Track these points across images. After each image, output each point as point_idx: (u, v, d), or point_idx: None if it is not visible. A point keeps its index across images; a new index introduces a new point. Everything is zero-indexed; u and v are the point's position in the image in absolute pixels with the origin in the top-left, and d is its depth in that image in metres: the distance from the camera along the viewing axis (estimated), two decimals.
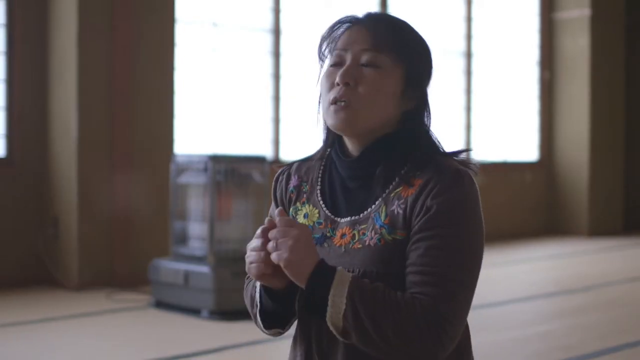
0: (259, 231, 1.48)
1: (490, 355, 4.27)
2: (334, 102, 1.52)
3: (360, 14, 1.57)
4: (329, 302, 1.42)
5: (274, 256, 1.43)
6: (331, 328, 1.44)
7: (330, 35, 1.57)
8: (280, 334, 1.60)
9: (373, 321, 1.40)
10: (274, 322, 1.57)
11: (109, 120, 6.17)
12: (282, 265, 1.43)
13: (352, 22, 1.56)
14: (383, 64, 1.52)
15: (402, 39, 1.53)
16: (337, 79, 1.52)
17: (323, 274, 1.43)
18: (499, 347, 4.47)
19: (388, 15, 1.58)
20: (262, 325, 1.58)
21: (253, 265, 1.47)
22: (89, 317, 5.20)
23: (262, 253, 1.45)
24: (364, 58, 1.52)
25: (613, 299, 5.97)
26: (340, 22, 1.57)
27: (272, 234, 1.45)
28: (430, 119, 1.58)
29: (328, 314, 1.42)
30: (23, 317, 5.11)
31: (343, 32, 1.55)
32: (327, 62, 1.57)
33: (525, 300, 5.88)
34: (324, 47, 1.58)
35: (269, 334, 1.61)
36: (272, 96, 7.61)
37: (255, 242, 1.48)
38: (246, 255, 1.49)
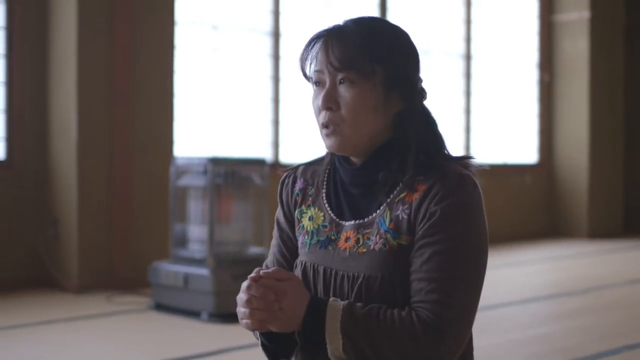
0: (244, 285, 1.47)
1: (490, 357, 4.27)
2: (323, 127, 1.54)
3: (328, 27, 1.55)
4: (327, 340, 1.43)
5: (252, 320, 1.44)
6: None
7: (305, 55, 1.57)
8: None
9: (373, 348, 1.40)
10: (277, 355, 1.57)
11: (109, 121, 6.18)
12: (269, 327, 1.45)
13: (320, 38, 1.54)
14: (357, 79, 1.50)
15: (370, 46, 1.50)
16: (319, 104, 1.53)
17: (314, 315, 1.44)
18: (498, 349, 4.47)
19: (356, 22, 1.54)
20: (266, 356, 1.59)
21: (243, 321, 1.46)
22: (88, 319, 5.19)
23: (248, 310, 1.44)
24: (339, 77, 1.51)
25: (612, 301, 5.97)
26: (311, 41, 1.56)
27: (252, 294, 1.44)
28: (420, 114, 1.56)
29: (329, 351, 1.43)
30: (22, 320, 5.11)
31: (317, 51, 1.54)
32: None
33: (525, 303, 5.88)
34: (305, 69, 1.58)
35: None
36: (272, 98, 7.62)
37: (241, 296, 1.46)
38: (237, 309, 1.49)
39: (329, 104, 1.52)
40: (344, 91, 1.51)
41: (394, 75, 1.52)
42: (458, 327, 1.41)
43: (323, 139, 1.55)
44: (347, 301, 1.46)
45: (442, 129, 1.59)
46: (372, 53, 1.50)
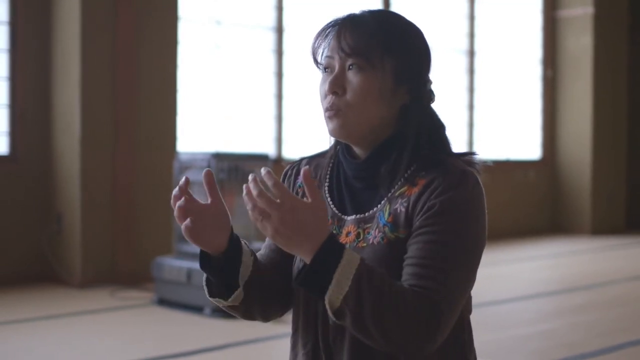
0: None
1: (492, 353, 4.28)
2: (327, 110, 1.54)
3: (343, 15, 1.56)
4: (333, 281, 1.36)
5: (265, 225, 1.36)
6: (327, 306, 1.38)
7: (318, 42, 1.57)
8: (235, 308, 1.55)
9: (375, 309, 1.36)
10: (215, 291, 1.53)
11: (112, 117, 6.18)
12: (270, 237, 1.37)
13: (334, 26, 1.55)
14: (366, 66, 1.50)
15: (384, 36, 1.51)
16: (326, 89, 1.53)
17: (331, 250, 1.37)
18: (501, 345, 4.47)
19: (372, 12, 1.55)
20: (206, 293, 1.55)
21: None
22: (92, 314, 5.21)
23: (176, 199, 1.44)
24: (348, 63, 1.52)
25: (615, 297, 5.97)
26: (325, 28, 1.57)
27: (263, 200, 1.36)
28: (425, 112, 1.55)
29: (329, 292, 1.36)
30: (26, 315, 5.12)
31: (330, 38, 1.55)
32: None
33: (528, 298, 5.89)
34: (317, 56, 1.58)
35: (216, 304, 1.56)
36: (275, 94, 7.62)
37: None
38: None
39: (335, 88, 1.52)
40: (352, 76, 1.51)
41: (403, 67, 1.53)
42: (446, 315, 1.41)
43: (326, 123, 1.55)
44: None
45: (449, 133, 1.58)
46: (384, 42, 1.51)
